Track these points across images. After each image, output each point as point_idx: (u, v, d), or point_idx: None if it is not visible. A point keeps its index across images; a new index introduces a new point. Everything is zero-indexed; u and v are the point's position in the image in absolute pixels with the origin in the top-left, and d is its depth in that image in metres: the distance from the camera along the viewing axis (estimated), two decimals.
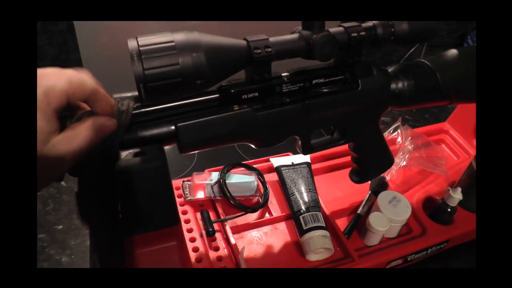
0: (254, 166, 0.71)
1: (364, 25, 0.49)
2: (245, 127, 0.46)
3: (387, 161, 0.65)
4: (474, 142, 0.87)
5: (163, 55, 0.36)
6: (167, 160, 0.42)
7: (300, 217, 0.62)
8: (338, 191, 0.74)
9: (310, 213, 0.62)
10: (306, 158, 0.72)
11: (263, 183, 0.69)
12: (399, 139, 0.80)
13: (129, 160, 0.40)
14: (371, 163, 0.63)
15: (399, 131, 0.81)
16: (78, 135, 0.33)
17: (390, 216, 0.64)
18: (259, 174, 0.69)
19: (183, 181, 0.68)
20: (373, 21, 0.50)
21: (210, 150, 0.46)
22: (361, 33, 0.48)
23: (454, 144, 0.89)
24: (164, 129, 0.42)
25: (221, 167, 0.69)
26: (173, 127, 0.42)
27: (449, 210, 0.68)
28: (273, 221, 0.66)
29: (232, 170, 0.69)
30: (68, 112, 0.35)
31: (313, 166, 0.75)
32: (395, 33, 0.50)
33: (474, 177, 0.70)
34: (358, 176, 0.65)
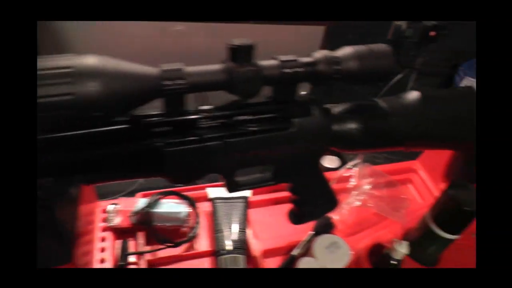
0: (189, 194, 0.67)
1: (304, 59, 0.44)
2: (156, 163, 0.42)
3: (329, 203, 0.59)
4: (442, 186, 0.81)
5: (58, 82, 0.32)
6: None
7: (220, 257, 0.57)
8: (281, 226, 0.68)
9: (231, 255, 0.57)
10: (247, 191, 0.67)
11: (197, 214, 0.64)
12: (353, 178, 0.75)
13: None
14: (309, 206, 0.58)
15: (356, 168, 0.76)
16: None
17: (324, 264, 0.59)
18: (192, 204, 0.65)
19: (110, 205, 0.64)
20: (317, 56, 0.45)
21: None
22: (296, 69, 0.43)
23: (422, 185, 0.83)
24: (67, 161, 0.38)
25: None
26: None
27: (392, 262, 0.62)
28: (196, 256, 0.61)
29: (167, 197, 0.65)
30: None
31: (257, 197, 0.71)
32: (341, 71, 0.45)
33: (425, 231, 0.64)
34: (295, 218, 0.60)
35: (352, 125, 0.50)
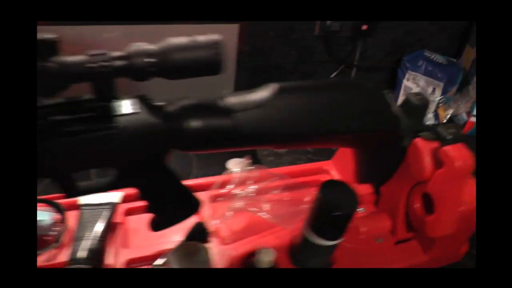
0: (60, 201, 0.66)
1: (114, 53, 0.42)
2: None
3: (188, 208, 0.57)
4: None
5: None
6: None
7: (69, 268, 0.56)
8: (156, 234, 0.64)
9: (77, 265, 0.56)
10: (117, 196, 0.66)
11: (64, 222, 0.64)
12: (233, 182, 0.72)
13: None
14: (162, 211, 0.56)
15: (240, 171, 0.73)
16: None
17: None
18: (60, 211, 0.64)
19: None
20: (130, 49, 0.42)
21: None
22: (102, 64, 0.41)
23: None
24: None
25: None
26: None
27: None
28: (56, 266, 0.61)
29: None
30: None
31: (134, 204, 0.68)
32: (157, 64, 0.42)
33: (303, 238, 0.60)
34: (153, 225, 0.58)
35: (192, 123, 0.48)
